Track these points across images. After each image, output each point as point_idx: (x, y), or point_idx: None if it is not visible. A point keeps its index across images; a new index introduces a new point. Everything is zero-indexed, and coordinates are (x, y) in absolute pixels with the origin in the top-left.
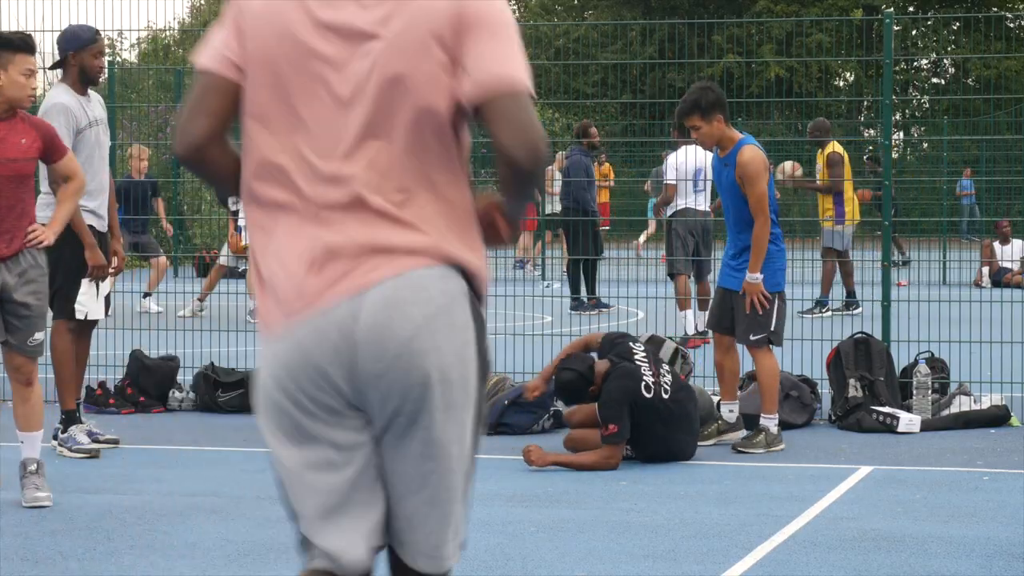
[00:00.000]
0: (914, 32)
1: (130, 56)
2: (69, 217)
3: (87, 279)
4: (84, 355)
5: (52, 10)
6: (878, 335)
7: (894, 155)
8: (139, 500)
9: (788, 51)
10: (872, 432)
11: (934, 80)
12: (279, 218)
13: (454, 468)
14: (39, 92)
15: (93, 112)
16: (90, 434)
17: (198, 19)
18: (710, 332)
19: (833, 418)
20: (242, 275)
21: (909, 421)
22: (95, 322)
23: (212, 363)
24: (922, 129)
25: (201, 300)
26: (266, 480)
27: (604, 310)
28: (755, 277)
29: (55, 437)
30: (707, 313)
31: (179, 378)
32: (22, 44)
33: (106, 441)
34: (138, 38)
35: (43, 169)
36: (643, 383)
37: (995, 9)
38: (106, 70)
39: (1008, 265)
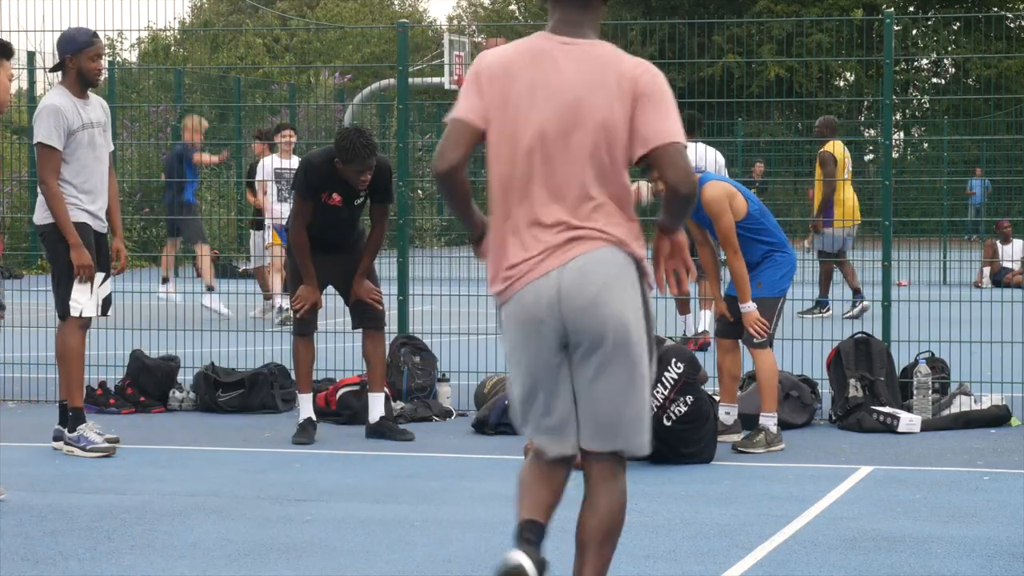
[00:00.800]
0: (914, 32)
1: (130, 56)
2: None
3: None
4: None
5: (52, 10)
6: (878, 335)
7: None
8: (139, 500)
9: (788, 51)
10: (872, 432)
11: (934, 80)
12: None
13: (634, 379)
14: (38, 93)
15: (89, 115)
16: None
17: (198, 19)
18: (711, 331)
19: (833, 418)
20: (241, 275)
21: (909, 421)
22: (88, 320)
23: (212, 363)
24: (922, 129)
25: (267, 299)
26: (266, 480)
27: None
28: (748, 307)
29: (58, 438)
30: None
31: (179, 378)
32: (8, 50)
33: (107, 441)
34: (138, 38)
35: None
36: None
37: (995, 9)
38: (105, 72)
39: (1008, 265)
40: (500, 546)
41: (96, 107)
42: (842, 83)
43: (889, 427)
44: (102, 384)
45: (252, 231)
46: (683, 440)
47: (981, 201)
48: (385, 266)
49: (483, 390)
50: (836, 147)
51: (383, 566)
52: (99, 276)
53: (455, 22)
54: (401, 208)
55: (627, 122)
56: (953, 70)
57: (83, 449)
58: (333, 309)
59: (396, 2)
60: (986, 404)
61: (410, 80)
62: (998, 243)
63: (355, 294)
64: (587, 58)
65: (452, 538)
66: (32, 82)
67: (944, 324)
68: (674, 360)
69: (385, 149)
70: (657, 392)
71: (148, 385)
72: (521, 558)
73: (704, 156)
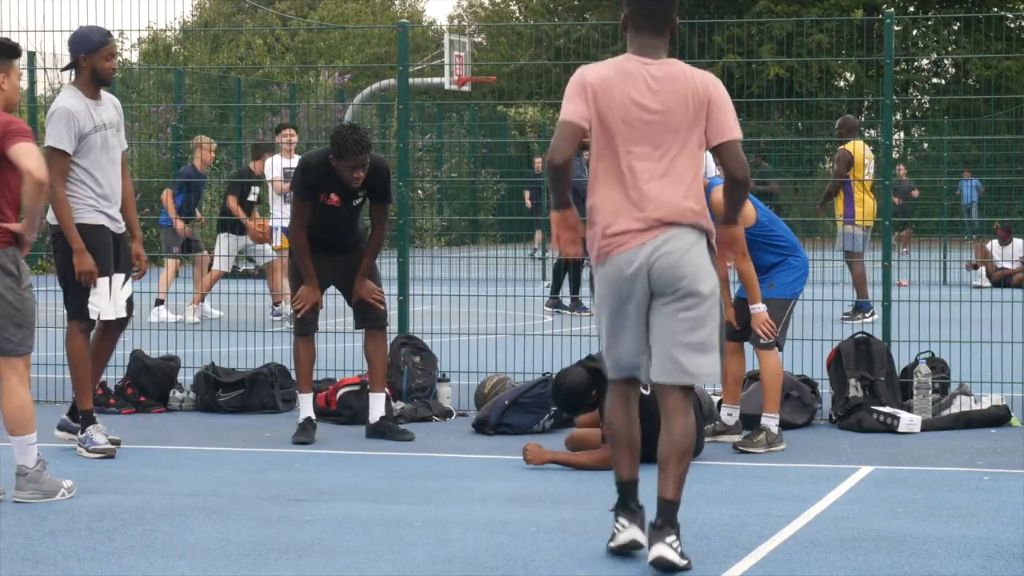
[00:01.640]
0: (914, 32)
1: (131, 56)
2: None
3: (102, 278)
4: (105, 356)
5: (52, 10)
6: (878, 335)
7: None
8: (139, 500)
9: (788, 51)
10: (872, 432)
11: (934, 80)
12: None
13: (701, 328)
14: (43, 92)
15: (102, 115)
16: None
17: (200, 19)
18: None
19: (834, 418)
20: (243, 275)
21: (909, 421)
22: (122, 323)
23: (212, 363)
24: (922, 129)
25: (276, 303)
26: (266, 480)
27: (582, 313)
28: (757, 308)
29: (62, 428)
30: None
31: (179, 378)
32: (17, 50)
33: (110, 441)
34: (139, 38)
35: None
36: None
37: (995, 9)
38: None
39: (1008, 265)
40: (500, 545)
41: (109, 107)
42: (842, 83)
43: (889, 427)
44: (102, 384)
45: (219, 233)
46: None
47: (970, 201)
48: (385, 266)
49: (483, 390)
50: (856, 147)
51: (383, 566)
52: (119, 277)
53: (455, 22)
54: (401, 208)
55: (701, 122)
56: (953, 70)
57: (87, 449)
58: (333, 309)
59: (397, 2)
60: (986, 404)
61: (410, 80)
62: (996, 243)
63: (357, 294)
64: (666, 75)
65: (452, 538)
66: (32, 82)
67: (944, 324)
68: None
69: (385, 149)
70: None
71: (148, 385)
72: (636, 534)
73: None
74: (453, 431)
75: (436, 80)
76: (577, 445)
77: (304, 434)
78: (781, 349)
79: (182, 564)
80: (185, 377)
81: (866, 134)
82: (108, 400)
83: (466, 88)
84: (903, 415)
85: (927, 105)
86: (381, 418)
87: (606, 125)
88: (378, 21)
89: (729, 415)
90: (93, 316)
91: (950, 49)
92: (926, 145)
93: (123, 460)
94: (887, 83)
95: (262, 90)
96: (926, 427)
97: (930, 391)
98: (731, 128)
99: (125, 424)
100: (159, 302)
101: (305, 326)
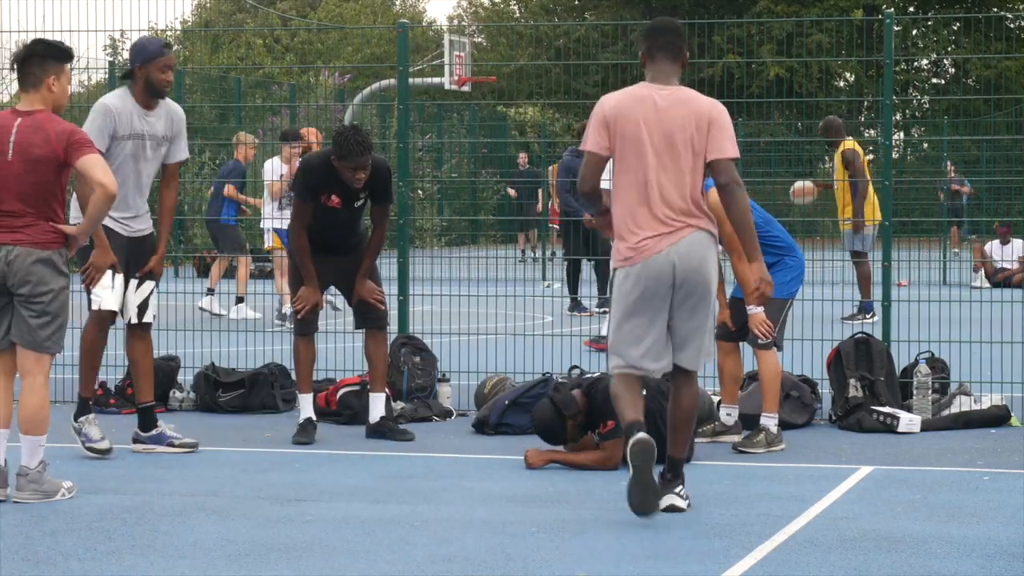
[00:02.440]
0: (914, 32)
1: None
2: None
3: (111, 274)
4: (141, 359)
5: (52, 10)
6: (878, 335)
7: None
8: (139, 500)
9: (788, 51)
10: (872, 432)
11: (934, 80)
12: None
13: (708, 317)
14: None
15: (144, 126)
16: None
17: (200, 18)
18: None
19: (833, 418)
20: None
21: (909, 421)
22: (147, 324)
23: (212, 363)
24: (922, 129)
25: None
26: (266, 480)
27: (582, 313)
28: (754, 308)
29: (136, 440)
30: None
31: (179, 378)
32: (69, 53)
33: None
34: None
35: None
36: None
37: (995, 9)
38: (172, 82)
39: (1008, 265)
40: (501, 545)
41: (161, 119)
42: (842, 83)
43: (889, 427)
44: (102, 384)
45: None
46: None
47: (961, 202)
48: (385, 266)
49: (483, 390)
50: (856, 146)
51: (383, 566)
52: (133, 281)
53: (455, 22)
54: (401, 208)
55: (703, 141)
56: (953, 70)
57: (83, 445)
58: (334, 309)
59: (397, 2)
60: (986, 404)
61: (410, 80)
62: (996, 243)
63: (357, 294)
64: (676, 100)
65: (452, 538)
66: None
67: (944, 324)
68: None
69: (385, 149)
70: None
71: None
72: (644, 435)
73: None
74: (453, 431)
75: (436, 80)
76: (576, 445)
77: (304, 434)
78: (780, 349)
79: (182, 564)
80: (185, 377)
81: (866, 134)
82: (108, 400)
83: (466, 88)
84: (903, 415)
85: (927, 105)
86: (381, 418)
87: (624, 145)
88: (378, 21)
89: (728, 415)
90: (94, 307)
91: (950, 49)
92: (926, 145)
93: (123, 460)
94: (887, 83)
95: (262, 90)
96: (926, 427)
97: (930, 391)
98: (727, 148)
99: (125, 424)
100: (240, 300)
101: (305, 326)
